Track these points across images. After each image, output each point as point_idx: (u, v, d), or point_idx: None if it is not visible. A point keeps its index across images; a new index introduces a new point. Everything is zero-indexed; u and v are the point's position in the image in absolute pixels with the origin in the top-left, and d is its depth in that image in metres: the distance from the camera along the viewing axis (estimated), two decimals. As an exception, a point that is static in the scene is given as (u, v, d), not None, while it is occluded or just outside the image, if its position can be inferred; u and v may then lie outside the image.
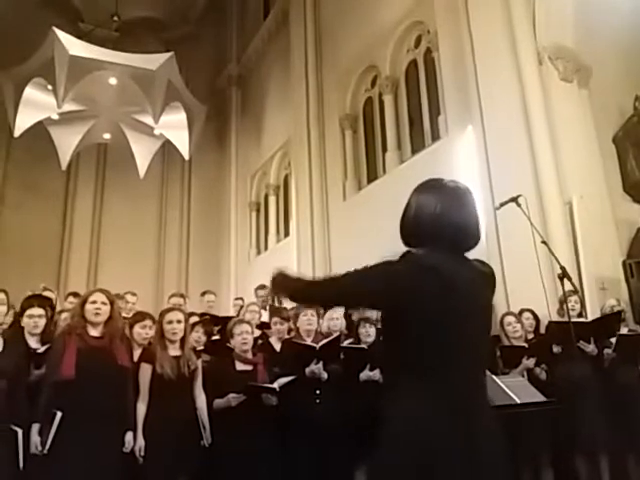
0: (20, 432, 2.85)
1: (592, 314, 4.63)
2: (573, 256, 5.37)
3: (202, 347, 4.12)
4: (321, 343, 3.69)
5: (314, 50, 10.54)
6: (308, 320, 3.93)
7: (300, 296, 1.67)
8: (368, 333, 4.05)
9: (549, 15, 6.29)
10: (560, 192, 5.65)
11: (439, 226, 1.54)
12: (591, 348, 3.94)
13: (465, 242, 1.58)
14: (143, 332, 3.62)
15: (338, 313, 4.68)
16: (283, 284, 1.63)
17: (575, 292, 4.04)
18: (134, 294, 5.50)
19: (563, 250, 5.16)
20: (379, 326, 4.21)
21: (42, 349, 3.31)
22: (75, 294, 5.03)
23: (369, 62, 9.33)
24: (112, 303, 3.24)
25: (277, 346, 4.14)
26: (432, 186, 1.65)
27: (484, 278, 1.60)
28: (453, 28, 7.16)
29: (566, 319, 3.74)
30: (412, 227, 1.61)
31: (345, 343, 4.19)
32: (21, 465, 2.84)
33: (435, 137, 7.78)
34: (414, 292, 1.44)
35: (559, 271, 2.91)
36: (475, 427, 1.38)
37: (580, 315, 4.31)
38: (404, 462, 1.35)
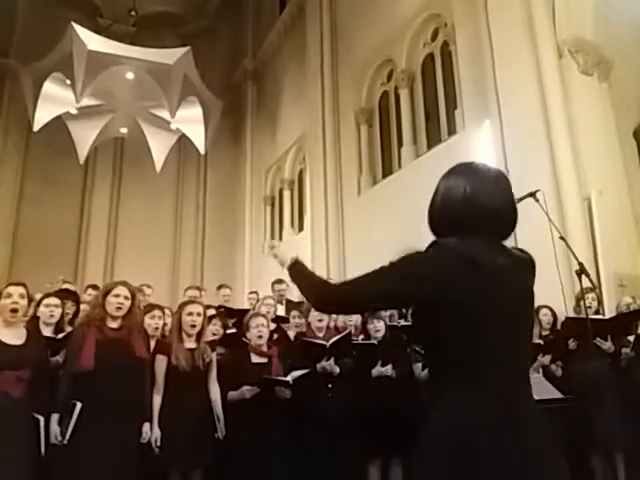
0: (42, 420, 2.91)
1: (610, 311, 4.57)
2: (591, 252, 5.31)
3: (219, 340, 4.14)
4: (331, 341, 3.69)
5: (330, 44, 10.50)
6: (319, 316, 3.92)
7: (324, 302, 1.53)
8: (377, 328, 4.04)
9: (569, 7, 6.19)
10: (579, 187, 5.57)
11: (470, 211, 1.43)
12: (608, 345, 3.90)
13: (499, 228, 1.46)
14: (152, 323, 3.66)
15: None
16: (304, 282, 1.55)
17: (593, 289, 3.98)
18: (149, 287, 5.56)
19: (581, 246, 5.10)
20: (388, 322, 4.21)
21: (60, 336, 3.37)
22: (94, 286, 5.11)
23: (385, 56, 9.28)
24: (133, 297, 3.27)
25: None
26: (462, 169, 1.55)
27: (524, 265, 1.48)
28: (471, 20, 7.09)
29: (583, 316, 3.70)
30: (441, 213, 1.51)
31: (359, 339, 4.20)
32: (43, 452, 2.90)
33: (452, 131, 7.71)
34: (449, 284, 1.34)
35: (577, 267, 2.88)
36: (522, 425, 1.30)
37: (597, 312, 4.26)
38: (447, 463, 1.27)
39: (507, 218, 1.47)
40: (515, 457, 1.24)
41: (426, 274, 1.37)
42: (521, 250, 1.52)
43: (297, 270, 1.61)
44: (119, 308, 3.16)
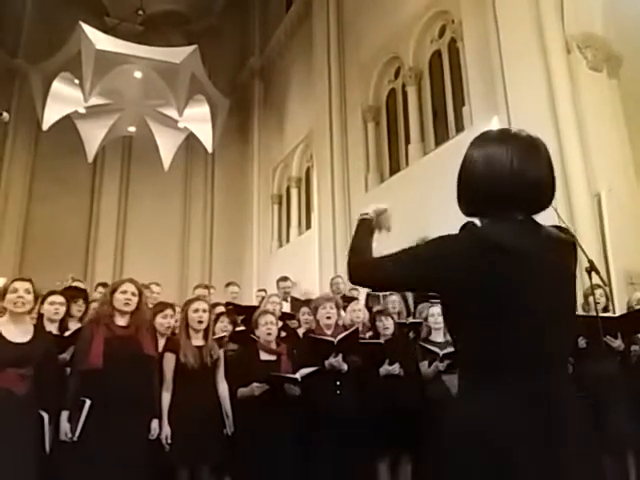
0: (46, 417, 2.93)
1: (620, 309, 4.54)
2: (601, 250, 5.27)
3: (228, 337, 4.16)
4: (339, 337, 3.69)
5: (336, 42, 10.49)
6: (327, 313, 3.92)
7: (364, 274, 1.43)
8: (385, 326, 4.03)
9: (578, 2, 6.14)
10: (588, 184, 5.54)
11: (518, 185, 1.28)
12: (618, 343, 3.86)
13: (543, 202, 1.34)
14: (165, 322, 3.67)
15: (360, 305, 4.68)
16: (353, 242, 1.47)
17: (602, 286, 3.95)
18: (158, 284, 5.58)
19: (591, 243, 5.07)
20: (397, 319, 4.20)
21: (67, 333, 3.40)
22: (104, 285, 5.14)
23: (392, 53, 9.25)
24: (141, 294, 3.30)
25: (303, 337, 4.17)
26: (500, 137, 1.37)
27: (564, 247, 1.35)
28: (478, 17, 7.05)
29: (592, 313, 3.67)
30: (479, 188, 1.33)
31: (367, 336, 4.19)
32: (47, 449, 2.92)
33: (459, 128, 7.68)
34: (477, 276, 1.23)
35: (586, 265, 2.85)
36: (556, 426, 1.19)
37: (606, 309, 4.22)
38: (474, 463, 1.19)
39: (551, 190, 1.35)
40: (547, 460, 1.16)
41: (457, 260, 1.26)
42: (560, 228, 1.40)
43: (359, 227, 1.52)
44: (127, 304, 3.19)
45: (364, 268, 1.41)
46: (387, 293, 5.73)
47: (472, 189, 1.36)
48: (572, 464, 1.18)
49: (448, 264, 1.27)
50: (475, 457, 1.19)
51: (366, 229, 1.53)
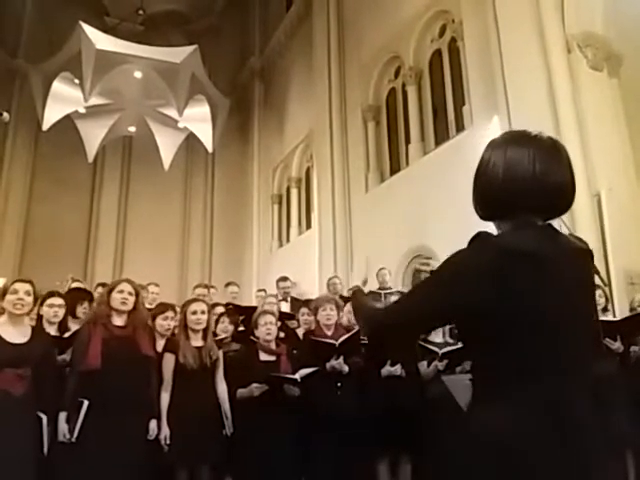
0: (45, 418, 2.92)
1: (620, 309, 4.53)
2: (601, 250, 5.26)
3: (229, 337, 4.15)
4: (340, 340, 3.68)
5: (337, 41, 10.48)
6: (327, 315, 3.91)
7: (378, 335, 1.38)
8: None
9: (578, 2, 6.13)
10: (588, 184, 5.52)
11: (538, 190, 1.25)
12: (617, 345, 3.86)
13: (562, 207, 1.31)
14: (165, 323, 3.66)
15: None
16: (363, 317, 1.43)
17: (601, 287, 3.95)
18: (157, 285, 5.58)
19: (591, 243, 4.94)
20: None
21: (67, 334, 3.40)
22: (104, 285, 5.12)
23: (392, 53, 9.25)
24: (137, 294, 3.30)
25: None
26: (520, 139, 1.31)
27: (583, 255, 1.32)
28: (478, 16, 7.04)
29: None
30: (500, 193, 1.28)
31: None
32: (45, 451, 2.91)
33: (460, 128, 7.67)
34: (498, 283, 1.18)
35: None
36: (579, 438, 1.15)
37: (605, 309, 4.22)
38: (491, 471, 1.16)
39: (572, 195, 1.31)
40: (565, 465, 1.13)
41: (474, 279, 1.20)
42: (578, 238, 1.36)
43: (356, 300, 1.51)
44: (124, 303, 3.19)
45: (381, 330, 1.34)
46: (388, 292, 5.74)
47: (492, 193, 1.30)
48: (591, 471, 1.14)
49: (470, 279, 1.21)
50: (492, 468, 1.17)
51: (362, 296, 1.55)
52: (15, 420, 2.78)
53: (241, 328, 4.60)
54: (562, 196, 1.30)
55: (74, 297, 3.95)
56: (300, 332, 4.30)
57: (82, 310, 3.92)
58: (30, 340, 2.97)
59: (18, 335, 2.95)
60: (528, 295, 1.19)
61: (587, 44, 6.04)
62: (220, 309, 4.50)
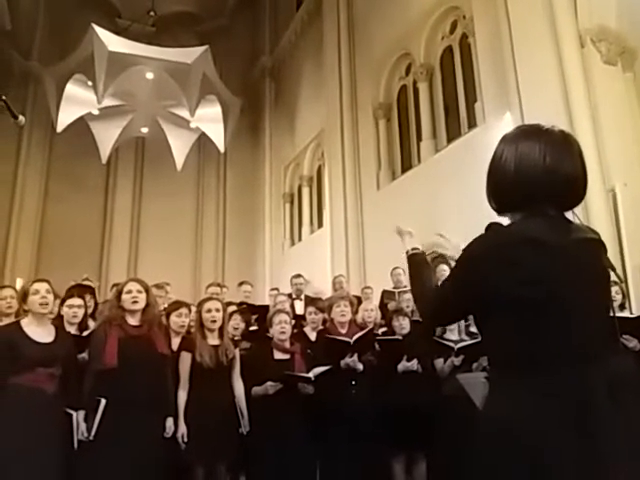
0: (75, 415, 2.98)
1: (637, 305, 4.49)
2: (616, 246, 5.21)
3: (240, 336, 4.18)
4: (355, 337, 3.69)
5: (347, 39, 10.47)
6: (342, 311, 3.93)
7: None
8: (402, 326, 4.03)
9: (591, -5, 6.05)
10: (602, 179, 5.46)
11: (549, 182, 1.28)
12: (634, 343, 3.82)
13: (574, 199, 1.34)
14: (179, 320, 3.69)
15: (372, 305, 4.67)
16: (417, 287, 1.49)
17: (618, 283, 3.90)
18: (168, 284, 5.61)
19: (606, 239, 4.90)
20: (414, 318, 4.19)
21: (85, 333, 3.45)
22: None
23: (403, 50, 9.21)
24: (147, 291, 3.31)
25: (311, 336, 4.16)
26: (531, 133, 1.35)
27: (596, 244, 1.35)
28: (490, 12, 6.99)
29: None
30: (512, 186, 1.31)
31: (379, 332, 4.19)
32: (75, 446, 2.98)
33: (471, 125, 7.63)
34: (510, 269, 1.21)
35: (602, 261, 2.82)
36: (593, 428, 1.15)
37: (622, 306, 4.18)
38: (508, 461, 1.17)
39: (583, 186, 1.35)
40: (581, 455, 1.14)
41: (482, 264, 1.25)
42: (589, 228, 1.39)
43: (415, 264, 1.54)
44: (135, 302, 3.21)
45: (430, 307, 1.43)
46: (403, 290, 5.73)
47: (505, 187, 1.35)
48: (608, 459, 1.15)
49: (478, 265, 1.27)
50: (506, 456, 1.18)
51: (423, 264, 1.54)
52: (48, 417, 2.87)
53: (254, 327, 4.63)
54: (573, 188, 1.33)
55: (72, 294, 3.96)
56: (307, 330, 4.29)
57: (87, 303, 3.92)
58: (56, 339, 3.03)
59: (45, 335, 3.02)
60: (540, 279, 1.21)
61: (601, 38, 5.96)
62: (231, 307, 4.54)
